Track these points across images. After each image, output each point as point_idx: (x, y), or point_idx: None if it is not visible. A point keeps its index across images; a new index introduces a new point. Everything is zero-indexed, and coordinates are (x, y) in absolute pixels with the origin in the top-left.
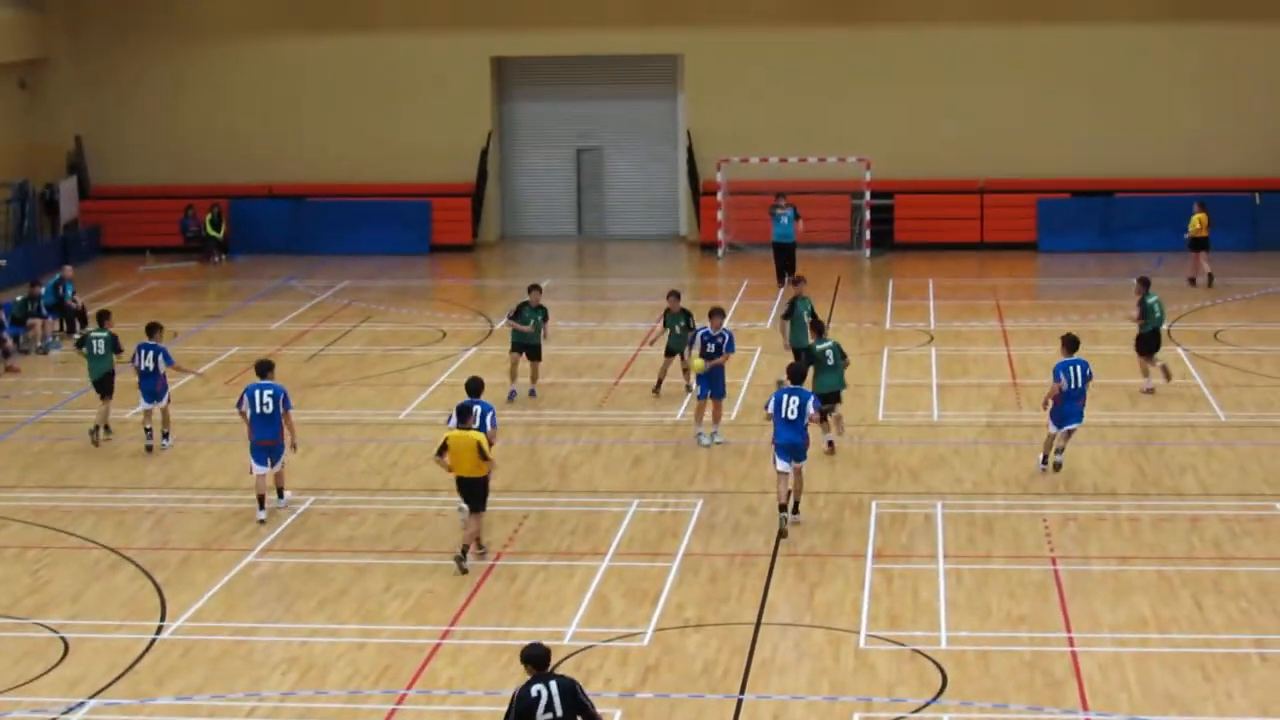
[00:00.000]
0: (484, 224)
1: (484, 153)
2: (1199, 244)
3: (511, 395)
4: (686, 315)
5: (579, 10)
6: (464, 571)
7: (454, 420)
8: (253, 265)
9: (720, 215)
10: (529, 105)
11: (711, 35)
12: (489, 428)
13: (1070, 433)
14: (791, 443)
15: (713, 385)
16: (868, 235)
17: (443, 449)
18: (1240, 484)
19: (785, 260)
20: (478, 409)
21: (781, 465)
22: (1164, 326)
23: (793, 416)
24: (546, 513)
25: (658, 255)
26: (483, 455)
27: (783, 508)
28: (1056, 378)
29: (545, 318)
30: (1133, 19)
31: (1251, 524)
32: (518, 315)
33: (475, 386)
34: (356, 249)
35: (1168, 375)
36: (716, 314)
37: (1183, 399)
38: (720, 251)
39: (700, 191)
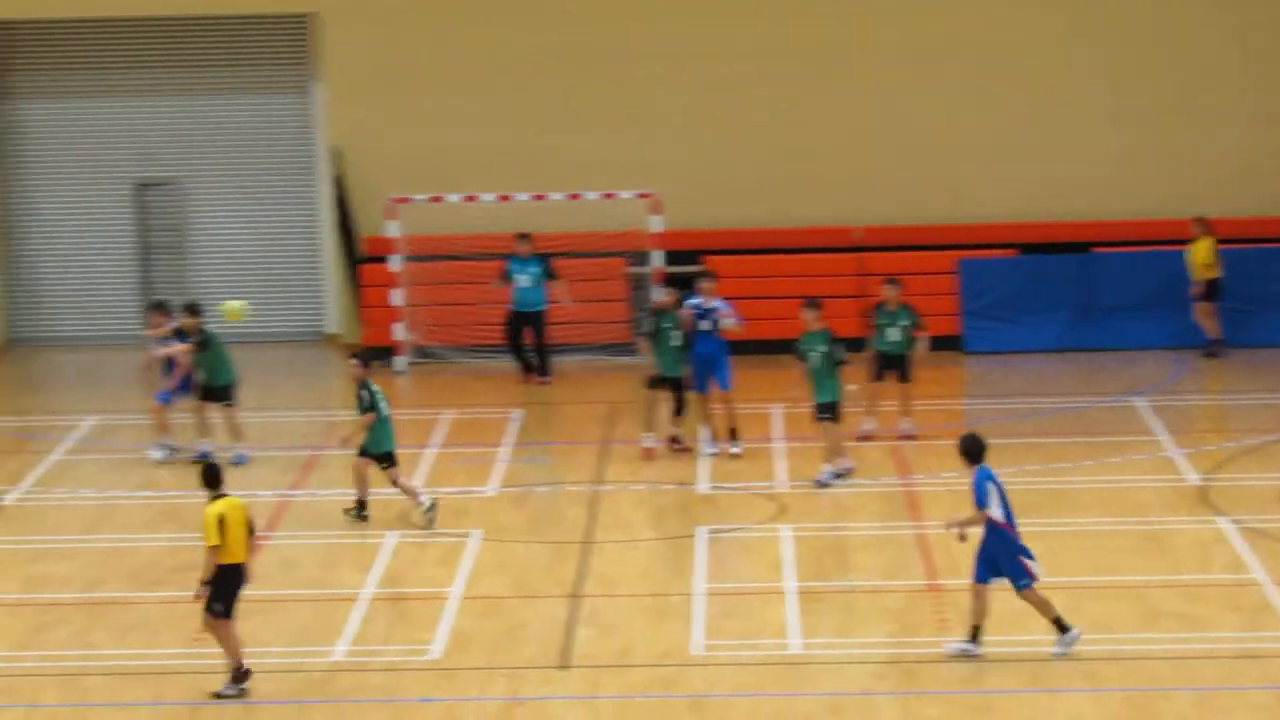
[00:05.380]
0: None
1: None
2: None
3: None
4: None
5: None
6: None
7: None
8: None
9: (398, 298)
10: (46, 107)
11: None
12: None
13: None
14: None
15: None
16: None
17: None
18: None
19: (524, 337)
20: None
21: None
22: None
23: None
24: None
25: (286, 370)
26: None
27: None
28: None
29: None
30: None
31: None
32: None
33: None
34: None
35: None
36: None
37: None
38: (401, 360)
39: (359, 257)
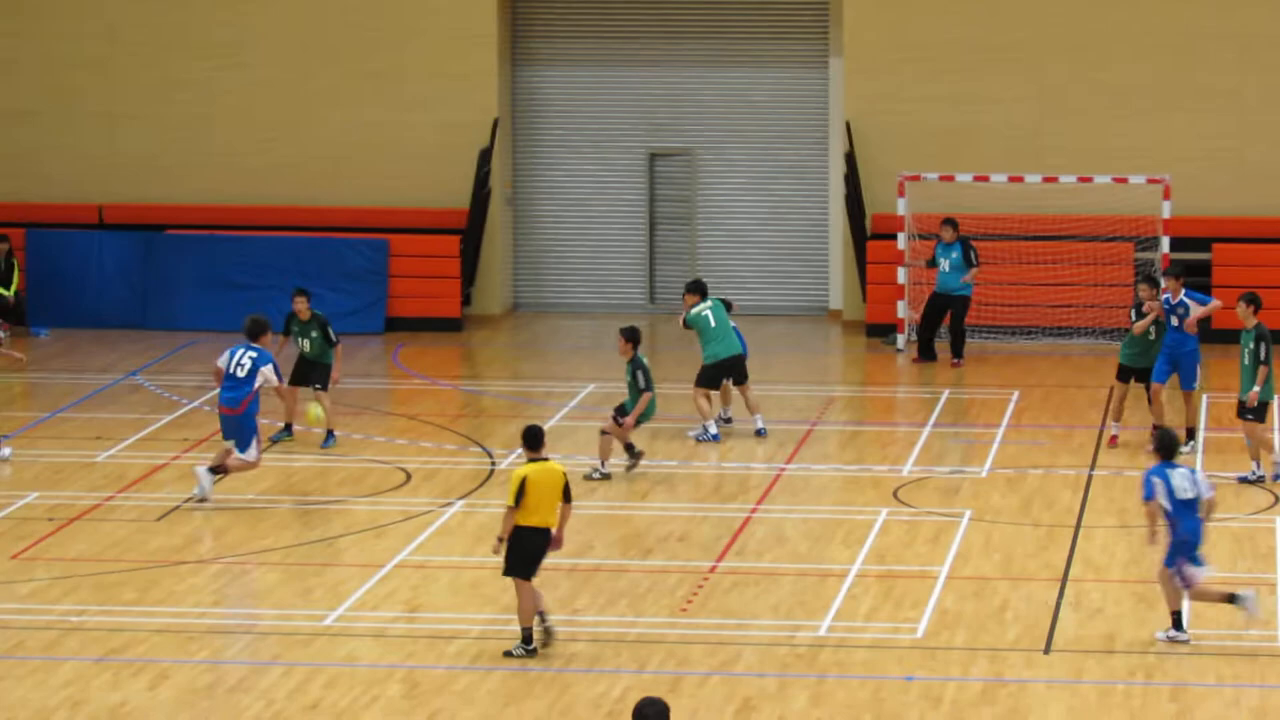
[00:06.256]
0: (483, 285)
1: (485, 157)
2: None
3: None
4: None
5: None
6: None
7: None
8: (69, 346)
9: (902, 275)
10: (563, 75)
11: None
12: None
13: None
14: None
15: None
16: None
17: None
18: None
19: (937, 323)
20: None
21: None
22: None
23: None
24: None
25: (787, 344)
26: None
27: None
28: None
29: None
30: None
31: None
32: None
33: None
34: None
35: None
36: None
37: None
38: (899, 339)
39: (867, 234)
